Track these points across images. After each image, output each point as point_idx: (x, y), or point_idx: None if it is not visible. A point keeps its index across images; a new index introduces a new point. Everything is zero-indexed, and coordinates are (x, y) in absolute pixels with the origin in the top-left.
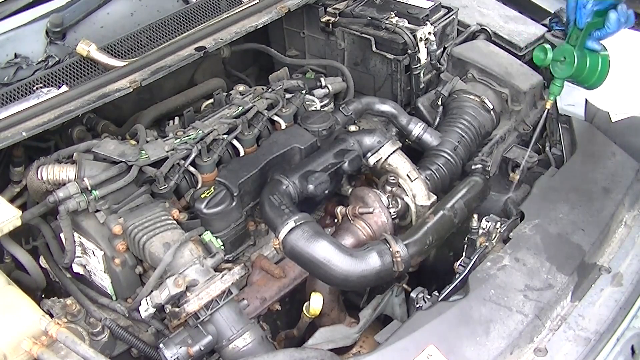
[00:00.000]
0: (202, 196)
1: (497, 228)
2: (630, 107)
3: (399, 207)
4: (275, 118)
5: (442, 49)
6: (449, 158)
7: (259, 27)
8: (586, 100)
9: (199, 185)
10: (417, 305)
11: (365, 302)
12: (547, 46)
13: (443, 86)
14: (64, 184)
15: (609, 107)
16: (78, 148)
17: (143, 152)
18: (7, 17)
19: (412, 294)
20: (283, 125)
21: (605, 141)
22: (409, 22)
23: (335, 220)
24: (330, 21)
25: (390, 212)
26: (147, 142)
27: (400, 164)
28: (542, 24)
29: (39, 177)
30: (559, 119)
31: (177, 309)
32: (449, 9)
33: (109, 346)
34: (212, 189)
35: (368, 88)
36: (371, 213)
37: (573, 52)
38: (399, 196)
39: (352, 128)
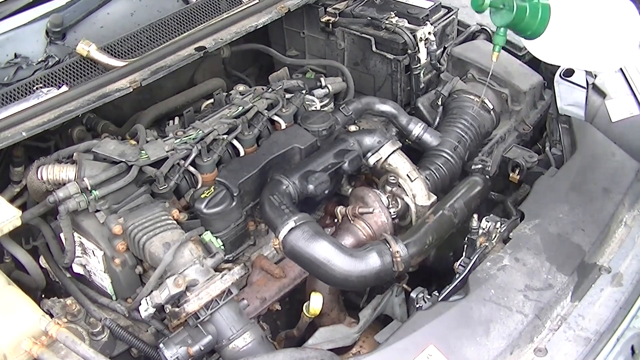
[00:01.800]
0: (202, 196)
1: (497, 228)
2: (579, 60)
3: (399, 207)
4: (275, 118)
5: (442, 49)
6: (449, 158)
7: (259, 27)
8: (586, 100)
9: (199, 185)
10: (417, 305)
11: (365, 302)
12: None
13: (443, 86)
14: (64, 184)
15: (558, 60)
16: (78, 148)
17: (143, 152)
18: (7, 17)
19: (412, 294)
20: (283, 125)
21: (605, 141)
22: (409, 22)
23: (335, 220)
24: (330, 21)
25: (390, 212)
26: (147, 142)
27: (400, 164)
28: None
29: (39, 177)
30: (559, 119)
31: (177, 309)
32: (449, 9)
33: (109, 346)
34: (212, 189)
35: (368, 88)
36: (371, 213)
37: None
38: (399, 196)
39: (352, 128)
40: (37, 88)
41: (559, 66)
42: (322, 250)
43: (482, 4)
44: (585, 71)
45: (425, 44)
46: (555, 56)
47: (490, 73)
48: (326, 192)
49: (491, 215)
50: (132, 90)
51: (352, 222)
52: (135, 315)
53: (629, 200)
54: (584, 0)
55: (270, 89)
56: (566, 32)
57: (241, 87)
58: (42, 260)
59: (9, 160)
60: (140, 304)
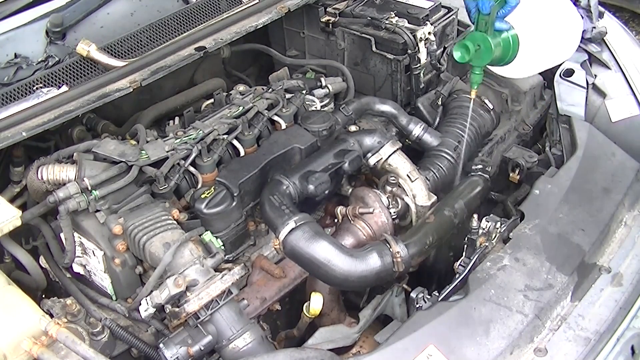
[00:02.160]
0: (202, 196)
1: (497, 228)
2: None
3: (399, 207)
4: (276, 118)
5: (442, 49)
6: (449, 158)
7: (259, 27)
8: (586, 100)
9: (199, 185)
10: (417, 305)
11: (365, 302)
12: (467, 42)
13: (443, 86)
14: (64, 184)
15: (527, 72)
16: (78, 148)
17: (143, 152)
18: (7, 17)
19: (412, 294)
20: (283, 125)
21: (605, 141)
22: (409, 22)
23: (335, 221)
24: (330, 21)
25: (390, 212)
26: (147, 142)
27: (401, 164)
28: None
29: (39, 177)
30: (559, 119)
31: (177, 309)
32: (449, 9)
33: (109, 346)
34: (212, 189)
35: (368, 88)
36: (371, 213)
37: (487, 39)
38: (399, 196)
39: (352, 128)
40: (37, 88)
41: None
42: (323, 251)
43: (469, 54)
44: (586, 71)
45: (425, 44)
46: (524, 70)
47: (471, 106)
48: (326, 192)
49: (491, 215)
50: (132, 90)
51: (352, 222)
52: (135, 315)
53: (629, 200)
54: (536, 14)
55: (270, 89)
56: (530, 48)
57: (241, 87)
58: (42, 260)
59: (9, 160)
60: (140, 304)
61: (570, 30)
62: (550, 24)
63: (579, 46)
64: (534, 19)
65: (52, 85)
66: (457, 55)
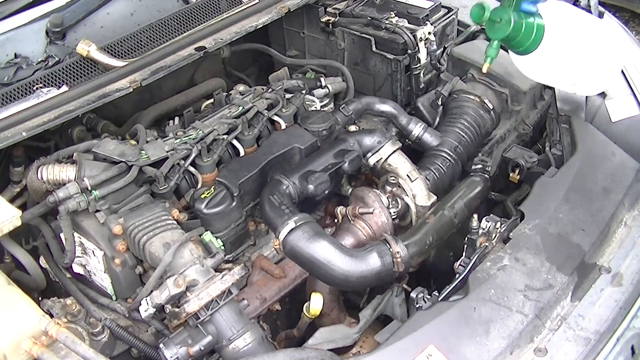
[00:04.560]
0: (202, 196)
1: (497, 228)
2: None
3: (399, 207)
4: (275, 118)
5: (442, 49)
6: (449, 158)
7: (259, 27)
8: (586, 99)
9: (199, 185)
10: (417, 305)
11: (365, 302)
12: (486, 4)
13: (443, 86)
14: (64, 184)
15: (542, 78)
16: (78, 148)
17: (143, 152)
18: (7, 17)
19: (412, 294)
20: (283, 125)
21: (605, 141)
22: (409, 22)
23: (335, 221)
24: (330, 21)
25: (390, 212)
26: (147, 142)
27: (401, 164)
28: None
29: (39, 177)
30: (559, 119)
31: (177, 309)
32: (449, 9)
33: (109, 346)
34: (212, 189)
35: (368, 88)
36: (371, 213)
37: (510, 13)
38: (399, 196)
39: (352, 128)
40: (37, 88)
41: None
42: (323, 251)
43: (482, 16)
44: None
45: (425, 44)
46: (540, 75)
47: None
48: (326, 192)
49: (491, 215)
50: (132, 90)
51: (352, 222)
52: (135, 316)
53: (629, 200)
54: (575, 25)
55: (270, 89)
56: (554, 53)
57: (241, 87)
58: (42, 260)
59: (9, 160)
60: (140, 304)
61: (606, 59)
62: (585, 46)
63: None
64: (570, 29)
65: (52, 85)
66: (472, 10)
